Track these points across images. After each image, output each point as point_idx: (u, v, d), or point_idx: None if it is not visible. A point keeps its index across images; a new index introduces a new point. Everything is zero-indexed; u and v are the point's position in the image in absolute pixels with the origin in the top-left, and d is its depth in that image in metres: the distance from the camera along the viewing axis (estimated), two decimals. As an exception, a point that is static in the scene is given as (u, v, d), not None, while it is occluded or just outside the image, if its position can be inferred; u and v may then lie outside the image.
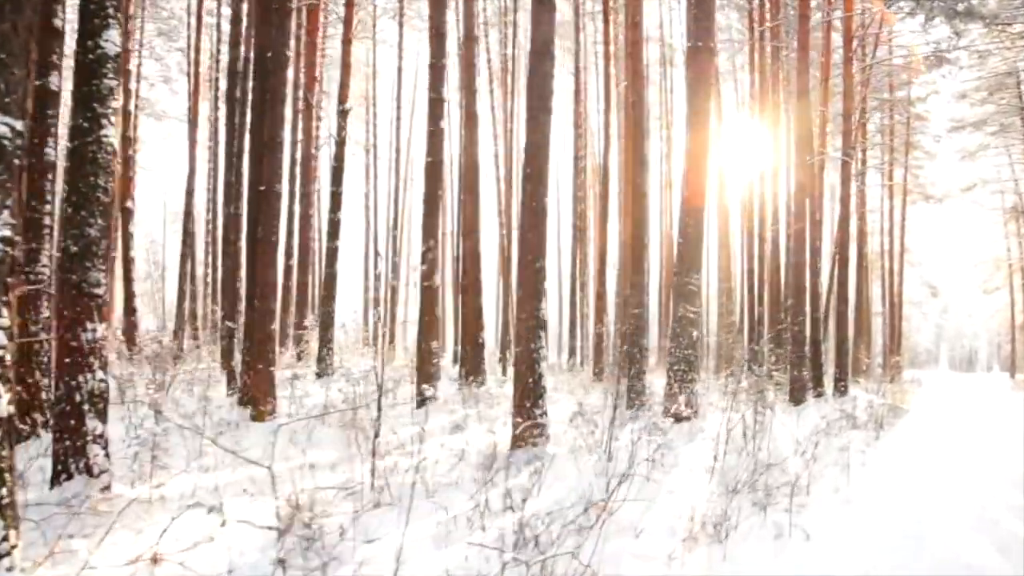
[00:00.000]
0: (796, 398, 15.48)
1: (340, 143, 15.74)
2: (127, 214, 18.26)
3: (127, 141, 18.38)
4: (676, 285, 10.25)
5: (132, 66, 20.52)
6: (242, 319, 11.74)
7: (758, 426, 10.63)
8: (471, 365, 13.81)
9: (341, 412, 8.04)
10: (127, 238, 18.43)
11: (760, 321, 23.68)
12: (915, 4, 22.99)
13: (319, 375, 14.64)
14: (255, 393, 9.22)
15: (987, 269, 42.59)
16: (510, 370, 19.12)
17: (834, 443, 9.05)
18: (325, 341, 15.05)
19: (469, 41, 14.13)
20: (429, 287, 11.47)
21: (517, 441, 7.61)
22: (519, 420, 7.57)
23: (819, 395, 17.85)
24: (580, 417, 7.64)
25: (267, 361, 9.38)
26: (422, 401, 11.03)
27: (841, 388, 18.09)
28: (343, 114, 15.85)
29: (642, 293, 11.88)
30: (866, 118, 26.99)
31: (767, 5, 21.94)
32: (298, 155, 19.83)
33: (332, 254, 15.47)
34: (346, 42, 16.19)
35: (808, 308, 19.07)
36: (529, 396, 7.59)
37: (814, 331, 18.75)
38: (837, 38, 20.29)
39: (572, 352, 25.08)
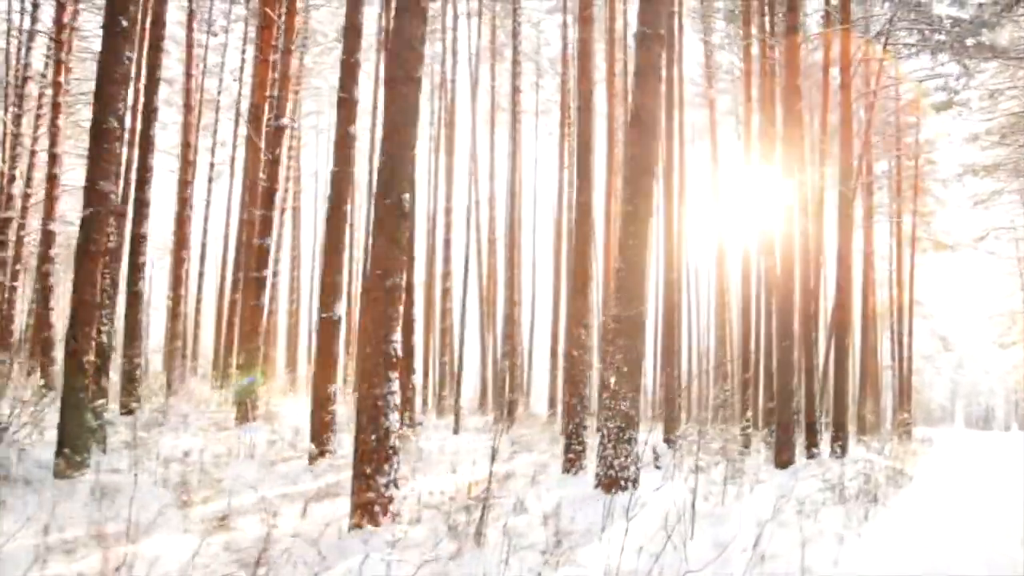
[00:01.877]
0: (781, 460, 13.10)
1: (273, 162, 13.82)
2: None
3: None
4: (614, 319, 8.07)
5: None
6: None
7: (715, 498, 8.35)
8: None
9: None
10: None
11: (750, 369, 21.25)
12: (920, 37, 21.09)
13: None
14: None
15: (1003, 322, 39.84)
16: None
17: (806, 528, 6.73)
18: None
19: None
20: (327, 319, 9.35)
21: (356, 519, 5.41)
22: (357, 492, 5.37)
23: (812, 456, 15.44)
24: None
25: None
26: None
27: (838, 448, 15.64)
28: (277, 131, 13.96)
29: (585, 327, 9.67)
30: (870, 157, 24.86)
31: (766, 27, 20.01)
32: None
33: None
34: (285, 52, 14.37)
35: (801, 356, 16.76)
36: (371, 459, 5.40)
37: (808, 382, 16.39)
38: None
39: (552, 401, 22.79)
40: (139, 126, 13.13)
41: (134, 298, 12.29)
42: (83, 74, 20.19)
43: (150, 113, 12.84)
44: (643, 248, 8.06)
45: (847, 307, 16.55)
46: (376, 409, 5.40)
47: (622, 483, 7.76)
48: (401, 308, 5.57)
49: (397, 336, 5.53)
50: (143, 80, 13.45)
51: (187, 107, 18.70)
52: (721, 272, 26.14)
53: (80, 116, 25.64)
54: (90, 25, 19.62)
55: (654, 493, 8.02)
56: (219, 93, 24.33)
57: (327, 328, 9.31)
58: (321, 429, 9.28)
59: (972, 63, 23.63)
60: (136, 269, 12.37)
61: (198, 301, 23.79)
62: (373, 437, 5.39)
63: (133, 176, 12.59)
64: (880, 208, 33.61)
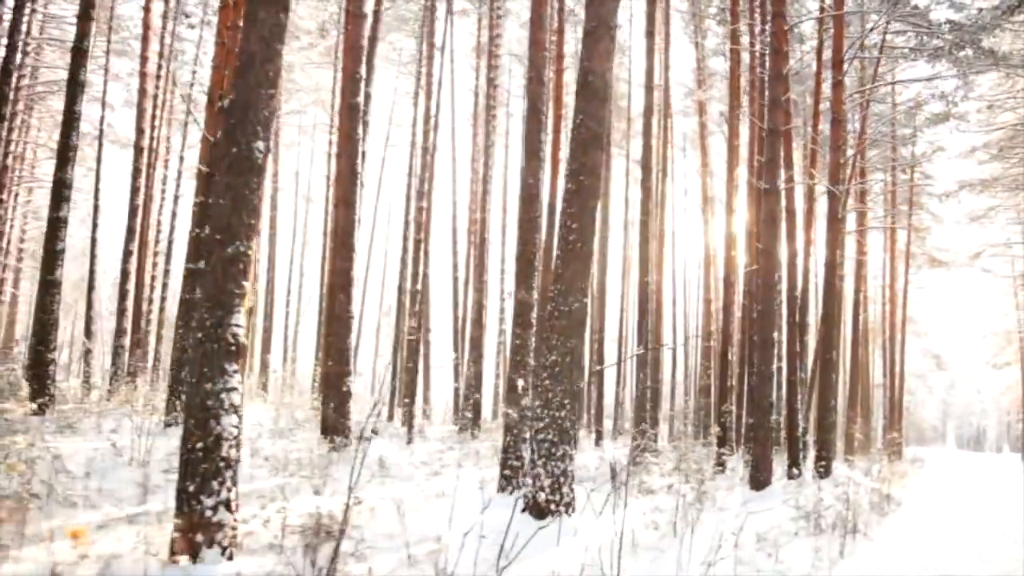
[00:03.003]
0: (757, 481, 11.81)
1: (215, 145, 12.52)
2: None
3: None
4: (549, 314, 6.81)
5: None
6: None
7: (667, 527, 7.06)
8: (332, 418, 10.36)
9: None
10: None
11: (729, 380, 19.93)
12: (917, 42, 19.94)
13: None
14: None
15: (997, 342, 38.62)
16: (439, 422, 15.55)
17: (764, 570, 5.46)
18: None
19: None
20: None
21: (176, 548, 4.12)
22: (177, 515, 4.09)
23: (793, 476, 14.14)
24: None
25: None
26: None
27: (821, 468, 14.33)
28: (219, 114, 12.69)
29: (528, 322, 8.40)
30: (863, 163, 23.66)
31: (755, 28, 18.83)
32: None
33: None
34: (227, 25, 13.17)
35: (783, 367, 15.49)
36: (195, 473, 4.12)
37: (791, 396, 15.11)
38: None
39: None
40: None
41: (47, 287, 11.02)
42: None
43: (75, 88, 11.61)
44: (586, 233, 6.82)
45: (835, 316, 15.29)
46: (205, 410, 4.14)
47: (552, 508, 6.48)
48: (246, 284, 4.32)
49: (238, 319, 4.28)
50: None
51: (141, 91, 17.52)
52: (708, 279, 24.95)
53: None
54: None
55: (595, 520, 6.75)
56: (192, 86, 23.11)
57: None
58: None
59: (971, 74, 22.59)
60: (52, 256, 11.10)
61: (163, 300, 22.50)
62: (200, 445, 4.12)
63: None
64: (875, 221, 32.45)
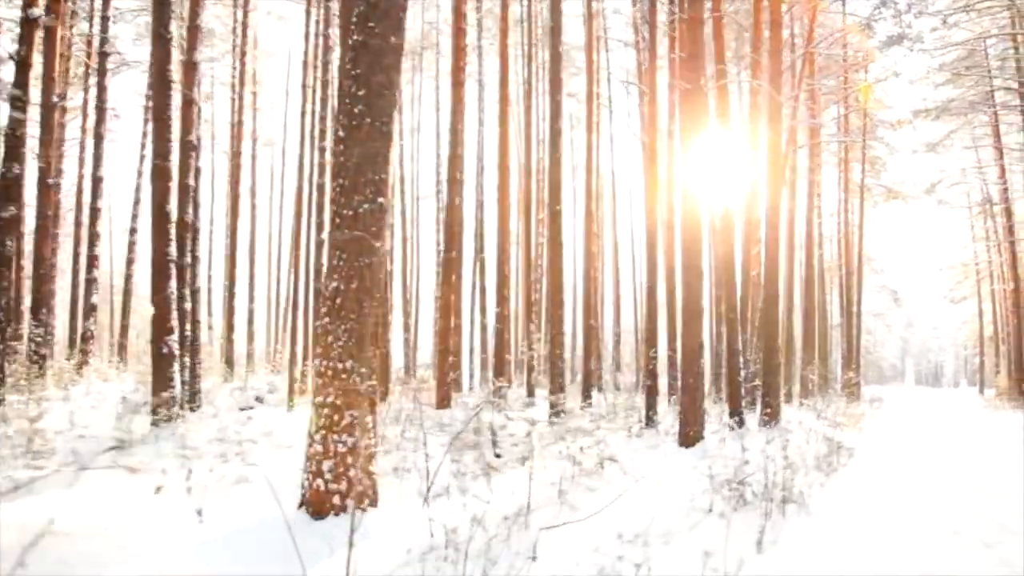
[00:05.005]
0: (686, 436, 9.77)
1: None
2: None
3: None
4: (331, 221, 4.55)
5: None
6: None
7: (544, 508, 4.95)
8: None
9: None
10: None
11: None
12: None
13: None
14: None
15: (954, 276, 37.18)
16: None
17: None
18: None
19: None
20: None
21: None
22: None
23: (736, 426, 12.19)
24: None
25: None
26: None
27: (767, 416, 12.40)
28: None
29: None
30: (812, 83, 21.48)
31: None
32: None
33: None
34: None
35: (723, 307, 13.46)
36: None
37: (730, 337, 13.10)
38: None
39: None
40: None
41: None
42: None
43: None
44: (378, 101, 4.54)
45: (775, 251, 13.16)
46: None
47: (335, 501, 4.30)
48: None
49: None
50: None
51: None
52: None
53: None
54: None
55: (418, 512, 4.59)
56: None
57: None
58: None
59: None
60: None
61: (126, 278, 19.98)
62: None
63: None
64: (828, 155, 30.48)
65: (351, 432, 4.37)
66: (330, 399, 4.38)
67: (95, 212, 16.83)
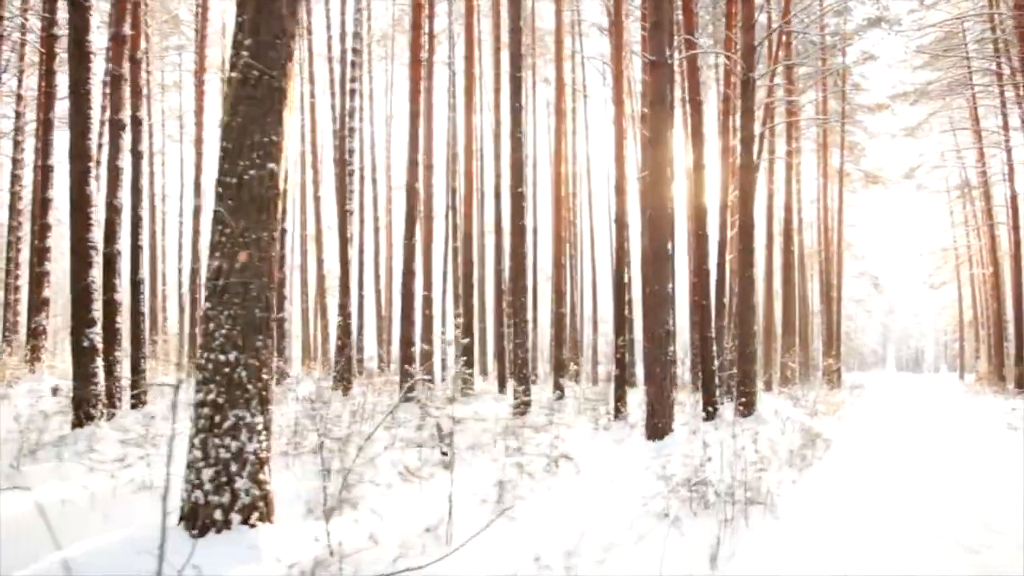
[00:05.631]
0: (654, 428, 9.18)
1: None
2: None
3: None
4: (215, 191, 3.88)
5: None
6: None
7: (434, 531, 4.30)
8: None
9: None
10: None
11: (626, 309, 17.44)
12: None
13: None
14: None
15: (934, 261, 36.88)
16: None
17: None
18: None
19: None
20: None
21: None
22: None
23: (710, 416, 11.64)
24: None
25: None
26: None
27: (743, 405, 11.82)
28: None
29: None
30: (787, 56, 20.91)
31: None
32: None
33: None
34: None
35: (696, 294, 12.86)
36: None
37: (702, 323, 12.54)
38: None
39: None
40: None
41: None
42: None
43: None
44: (269, 53, 3.88)
45: (750, 233, 12.55)
46: None
47: (216, 517, 3.64)
48: None
49: None
50: None
51: None
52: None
53: None
54: None
55: (310, 532, 3.93)
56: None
57: None
58: None
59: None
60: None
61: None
62: None
63: None
64: (808, 142, 29.97)
65: (235, 435, 3.71)
66: (211, 397, 3.72)
67: (45, 203, 16.01)
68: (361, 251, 22.96)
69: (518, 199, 11.38)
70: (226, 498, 3.68)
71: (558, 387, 15.12)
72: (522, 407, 11.28)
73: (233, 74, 3.94)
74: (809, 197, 31.97)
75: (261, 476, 3.84)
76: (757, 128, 13.71)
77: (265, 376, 3.89)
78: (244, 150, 3.83)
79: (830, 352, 26.94)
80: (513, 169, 11.49)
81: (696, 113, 12.18)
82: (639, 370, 20.23)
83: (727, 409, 12.62)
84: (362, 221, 24.68)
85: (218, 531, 3.65)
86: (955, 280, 37.20)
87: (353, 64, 16.42)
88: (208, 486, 3.66)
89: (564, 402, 13.76)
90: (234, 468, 3.69)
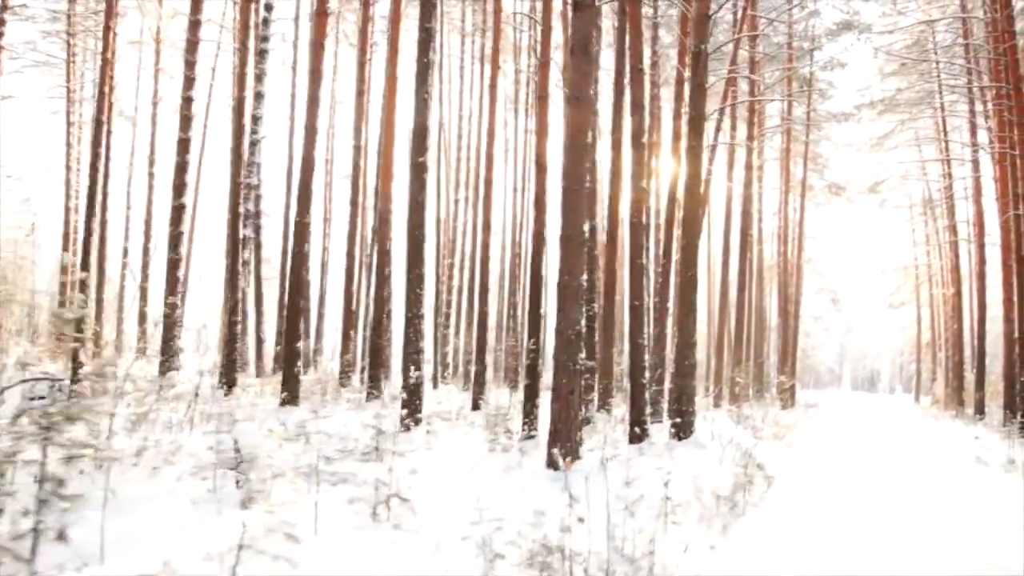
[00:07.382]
0: (554, 457, 7.17)
1: None
2: None
3: None
4: None
5: None
6: None
7: None
8: None
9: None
10: None
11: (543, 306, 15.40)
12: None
13: None
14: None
15: (894, 280, 35.60)
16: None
17: None
18: None
19: None
20: None
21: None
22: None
23: (638, 438, 9.74)
24: None
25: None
26: None
27: (676, 427, 9.90)
28: None
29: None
30: (754, 51, 19.25)
31: None
32: None
33: None
34: None
35: (632, 298, 10.92)
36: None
37: (633, 330, 10.61)
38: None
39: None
40: None
41: None
42: None
43: None
44: None
45: (694, 226, 10.67)
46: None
47: None
48: None
49: None
50: None
51: None
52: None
53: None
54: None
55: None
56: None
57: None
58: None
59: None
60: None
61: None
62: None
63: None
64: (771, 152, 28.40)
65: None
66: None
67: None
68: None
69: (420, 170, 9.35)
70: None
71: (477, 397, 13.14)
72: (410, 421, 9.21)
73: None
74: (771, 209, 30.40)
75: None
76: (710, 108, 11.86)
77: None
78: None
79: (784, 368, 25.29)
80: (416, 137, 9.46)
81: (637, 82, 10.26)
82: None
83: (660, 431, 10.69)
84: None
85: None
86: (915, 300, 35.91)
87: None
88: None
89: (476, 415, 11.75)
90: None
